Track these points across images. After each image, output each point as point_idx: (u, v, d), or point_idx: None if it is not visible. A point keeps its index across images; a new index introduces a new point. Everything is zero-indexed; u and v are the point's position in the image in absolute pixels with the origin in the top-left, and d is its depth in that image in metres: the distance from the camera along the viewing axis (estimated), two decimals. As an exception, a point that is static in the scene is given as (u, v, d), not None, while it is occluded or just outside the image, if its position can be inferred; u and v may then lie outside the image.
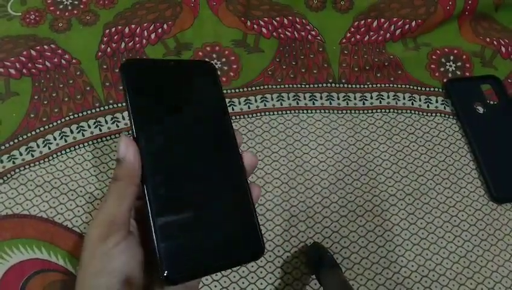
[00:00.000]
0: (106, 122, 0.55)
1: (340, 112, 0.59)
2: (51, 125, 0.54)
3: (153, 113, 0.22)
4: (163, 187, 0.21)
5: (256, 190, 0.23)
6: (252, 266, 0.49)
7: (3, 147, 0.53)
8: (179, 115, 0.23)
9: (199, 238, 0.20)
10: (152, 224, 0.20)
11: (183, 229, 0.20)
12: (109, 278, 0.20)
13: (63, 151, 0.53)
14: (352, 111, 0.59)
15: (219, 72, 0.60)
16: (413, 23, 0.64)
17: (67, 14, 0.63)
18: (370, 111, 0.59)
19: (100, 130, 0.55)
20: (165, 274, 0.19)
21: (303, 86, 0.60)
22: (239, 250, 0.21)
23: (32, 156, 0.52)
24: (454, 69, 0.63)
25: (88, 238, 0.21)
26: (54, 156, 0.53)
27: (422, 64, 0.63)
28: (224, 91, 0.59)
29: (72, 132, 0.54)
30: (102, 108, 0.56)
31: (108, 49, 0.60)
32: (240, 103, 0.58)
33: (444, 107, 0.60)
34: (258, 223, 0.22)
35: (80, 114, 0.56)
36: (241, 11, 0.64)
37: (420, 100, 0.60)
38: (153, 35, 0.61)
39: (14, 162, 0.52)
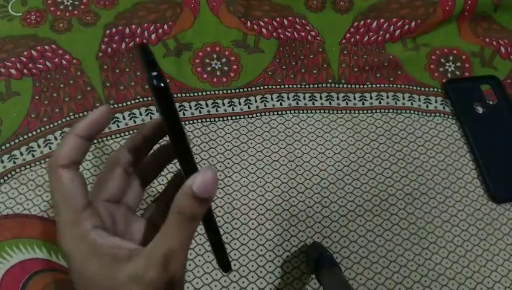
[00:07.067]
0: (107, 122, 0.56)
1: (339, 112, 0.59)
2: (51, 125, 0.55)
3: None
4: None
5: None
6: (252, 266, 0.49)
7: (4, 147, 0.53)
8: None
9: None
10: None
11: None
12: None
13: (64, 151, 0.53)
14: (352, 111, 0.59)
15: (219, 73, 0.61)
16: (413, 24, 0.64)
17: (67, 14, 0.63)
18: (369, 111, 0.59)
19: (101, 130, 0.55)
20: None
21: (303, 86, 0.60)
22: None
23: (33, 156, 0.53)
24: (453, 69, 0.63)
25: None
26: (55, 156, 0.53)
27: (422, 65, 0.63)
28: (225, 91, 0.59)
29: (72, 132, 0.54)
30: (102, 108, 0.56)
31: (109, 50, 0.60)
32: (240, 103, 0.58)
33: (444, 107, 0.60)
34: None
35: (81, 114, 0.56)
36: (241, 12, 0.64)
37: (419, 100, 0.61)
38: (153, 36, 0.62)
39: (14, 162, 0.52)
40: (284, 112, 0.59)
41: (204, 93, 0.59)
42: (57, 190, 0.24)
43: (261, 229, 0.51)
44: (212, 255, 0.49)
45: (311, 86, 0.61)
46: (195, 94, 0.59)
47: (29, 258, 0.47)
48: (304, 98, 0.60)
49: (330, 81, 0.61)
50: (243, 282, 0.49)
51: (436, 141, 0.58)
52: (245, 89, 0.60)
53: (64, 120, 0.55)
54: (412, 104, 0.60)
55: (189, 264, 0.49)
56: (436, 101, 0.61)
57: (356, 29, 0.65)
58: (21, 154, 0.53)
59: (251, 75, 0.61)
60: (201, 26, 0.64)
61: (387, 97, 0.60)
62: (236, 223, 0.51)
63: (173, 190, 0.30)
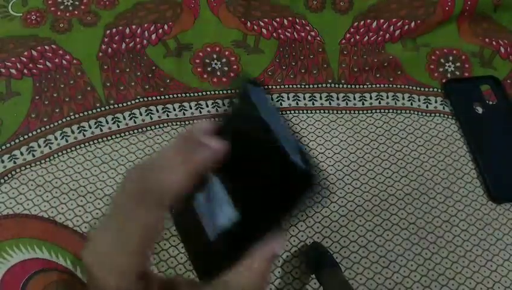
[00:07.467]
0: (107, 122, 0.56)
1: (339, 112, 0.59)
2: (51, 125, 0.55)
3: None
4: None
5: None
6: (252, 266, 0.49)
7: (4, 147, 0.53)
8: None
9: None
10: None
11: None
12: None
13: (64, 151, 0.53)
14: (352, 111, 0.59)
15: (219, 73, 0.61)
16: (413, 24, 0.64)
17: (68, 14, 0.63)
18: (369, 111, 0.59)
19: (101, 130, 0.55)
20: None
21: (303, 86, 0.60)
22: None
23: (33, 156, 0.53)
24: (453, 69, 0.63)
25: None
26: (55, 155, 0.53)
27: (422, 65, 0.63)
28: (225, 91, 0.59)
29: (73, 131, 0.55)
30: (103, 108, 0.57)
31: (109, 50, 0.60)
32: (240, 103, 0.58)
33: (443, 108, 0.60)
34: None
35: (81, 114, 0.56)
36: (241, 12, 0.64)
37: (419, 100, 0.61)
38: (153, 36, 0.62)
39: (15, 162, 0.52)
40: (283, 112, 0.59)
41: (204, 93, 0.59)
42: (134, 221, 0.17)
43: (261, 229, 0.51)
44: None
45: (311, 86, 0.61)
46: (196, 94, 0.59)
47: (30, 258, 0.47)
48: (304, 98, 0.60)
49: (330, 81, 0.61)
50: (243, 282, 0.49)
51: (436, 141, 0.58)
52: (245, 89, 0.60)
53: (64, 120, 0.55)
54: (411, 104, 0.60)
55: (190, 264, 0.49)
56: (435, 101, 0.61)
57: (356, 30, 0.65)
58: (21, 154, 0.53)
59: (251, 75, 0.61)
60: (202, 27, 0.64)
61: (387, 97, 0.60)
62: (236, 223, 0.51)
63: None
